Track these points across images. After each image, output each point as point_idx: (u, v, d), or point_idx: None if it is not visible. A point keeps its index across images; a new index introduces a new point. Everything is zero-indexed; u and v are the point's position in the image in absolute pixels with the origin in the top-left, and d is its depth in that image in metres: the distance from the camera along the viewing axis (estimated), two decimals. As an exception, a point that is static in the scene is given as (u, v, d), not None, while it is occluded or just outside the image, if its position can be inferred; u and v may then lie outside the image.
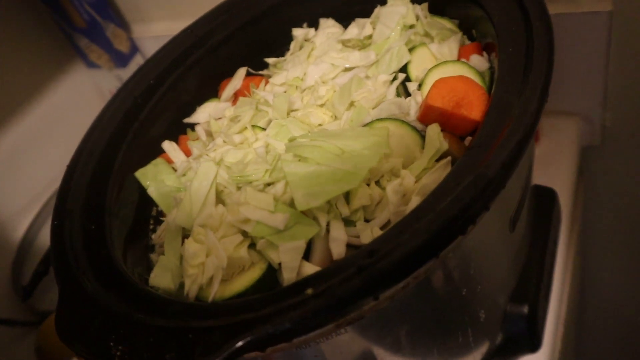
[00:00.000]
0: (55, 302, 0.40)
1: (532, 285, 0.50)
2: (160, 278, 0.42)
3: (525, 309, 0.49)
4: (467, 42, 0.53)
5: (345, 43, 0.57)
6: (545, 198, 0.57)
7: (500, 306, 0.49)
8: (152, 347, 0.33)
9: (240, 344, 0.31)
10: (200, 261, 0.40)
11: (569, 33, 0.67)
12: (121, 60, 0.96)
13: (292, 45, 0.61)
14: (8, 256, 0.87)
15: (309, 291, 0.32)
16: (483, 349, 0.48)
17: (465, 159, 0.37)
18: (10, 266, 0.87)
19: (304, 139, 0.45)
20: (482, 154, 0.36)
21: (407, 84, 0.50)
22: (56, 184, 0.50)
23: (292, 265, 0.38)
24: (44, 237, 0.91)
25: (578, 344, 0.99)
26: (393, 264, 0.32)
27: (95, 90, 1.04)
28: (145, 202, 0.52)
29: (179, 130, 0.58)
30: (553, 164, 0.73)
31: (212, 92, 0.61)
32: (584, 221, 0.79)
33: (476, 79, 0.46)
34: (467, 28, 0.54)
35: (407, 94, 0.50)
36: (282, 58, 0.61)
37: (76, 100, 1.00)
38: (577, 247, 0.70)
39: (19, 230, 0.89)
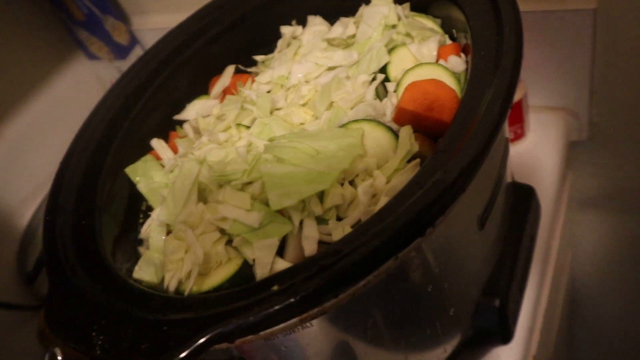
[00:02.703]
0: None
1: (504, 279, 0.52)
2: (144, 271, 0.45)
3: (497, 302, 0.51)
4: (449, 41, 0.54)
5: (330, 42, 0.58)
6: (522, 195, 0.58)
7: (472, 300, 0.51)
8: (130, 338, 0.36)
9: (209, 336, 0.33)
10: (179, 257, 0.43)
11: (555, 30, 0.68)
12: (121, 52, 0.98)
13: (280, 43, 0.62)
14: (13, 243, 0.90)
15: (275, 288, 0.34)
16: (454, 341, 0.50)
17: (430, 162, 0.38)
18: (16, 253, 0.90)
19: (283, 139, 0.47)
20: (446, 157, 0.38)
21: (387, 84, 0.51)
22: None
23: (265, 262, 0.40)
24: (48, 225, 0.94)
25: (571, 339, 1.00)
26: (353, 264, 0.34)
27: (96, 81, 1.06)
28: (135, 196, 0.54)
29: (170, 126, 0.60)
30: (540, 158, 0.74)
31: (204, 89, 0.63)
32: (570, 215, 0.80)
33: (450, 80, 0.47)
34: (449, 28, 0.55)
35: (388, 93, 0.51)
36: (271, 55, 0.62)
37: (78, 91, 1.02)
38: (560, 241, 0.71)
39: (24, 218, 0.92)
